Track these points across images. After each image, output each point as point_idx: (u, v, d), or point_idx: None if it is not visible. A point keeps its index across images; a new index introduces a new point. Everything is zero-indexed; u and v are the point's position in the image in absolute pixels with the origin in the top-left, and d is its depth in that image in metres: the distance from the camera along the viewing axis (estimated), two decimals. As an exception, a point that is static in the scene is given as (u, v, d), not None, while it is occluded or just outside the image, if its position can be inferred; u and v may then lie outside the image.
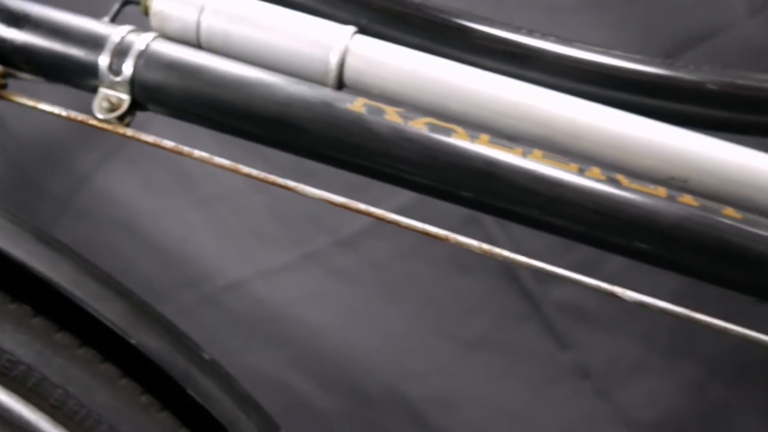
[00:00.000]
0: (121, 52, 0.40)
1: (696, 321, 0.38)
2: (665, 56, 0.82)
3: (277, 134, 0.39)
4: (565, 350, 0.85)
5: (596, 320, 0.86)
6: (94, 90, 0.40)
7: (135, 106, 0.41)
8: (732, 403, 0.83)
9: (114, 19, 0.44)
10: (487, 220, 0.87)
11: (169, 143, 0.40)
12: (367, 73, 0.41)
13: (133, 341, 0.37)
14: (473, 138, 0.38)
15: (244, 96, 0.39)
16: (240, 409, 0.40)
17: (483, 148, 0.38)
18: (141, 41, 0.40)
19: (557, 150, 0.40)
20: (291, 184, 0.39)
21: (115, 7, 0.45)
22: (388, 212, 0.39)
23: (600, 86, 0.42)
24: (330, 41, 0.41)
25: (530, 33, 0.42)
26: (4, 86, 0.41)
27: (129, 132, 0.40)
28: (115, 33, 0.40)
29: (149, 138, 0.40)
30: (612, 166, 0.40)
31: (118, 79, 0.40)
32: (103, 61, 0.40)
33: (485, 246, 0.38)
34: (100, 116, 0.40)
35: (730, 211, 0.37)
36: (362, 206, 0.38)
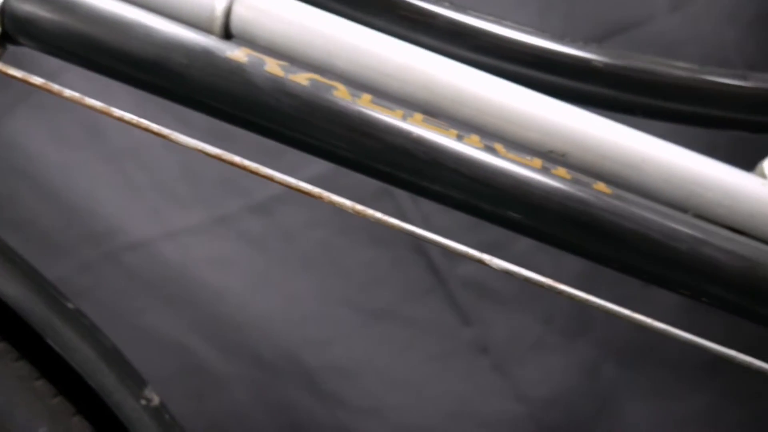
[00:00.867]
0: (-10, -21, 0.38)
1: (571, 296, 0.38)
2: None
3: (154, 79, 0.38)
4: (467, 325, 0.87)
5: (500, 298, 0.87)
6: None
7: (5, 38, 0.39)
8: (622, 384, 0.86)
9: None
10: (400, 194, 0.88)
11: (37, 80, 0.38)
12: (254, 24, 0.40)
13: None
14: (354, 97, 0.38)
15: (121, 36, 0.37)
16: (102, 361, 0.39)
17: (363, 108, 0.37)
18: (14, -30, 0.38)
19: (441, 116, 0.40)
20: (165, 131, 0.38)
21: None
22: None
23: (491, 56, 0.42)
24: (217, -13, 0.39)
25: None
26: None
27: (-4, 65, 0.38)
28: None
29: (17, 73, 0.38)
30: (494, 136, 0.40)
31: (-14, 8, 0.37)
32: (-29, -12, 0.37)
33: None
34: (-36, 46, 0.38)
35: (601, 186, 0.38)
36: (237, 159, 0.37)
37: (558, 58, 0.42)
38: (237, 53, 0.38)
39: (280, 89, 0.37)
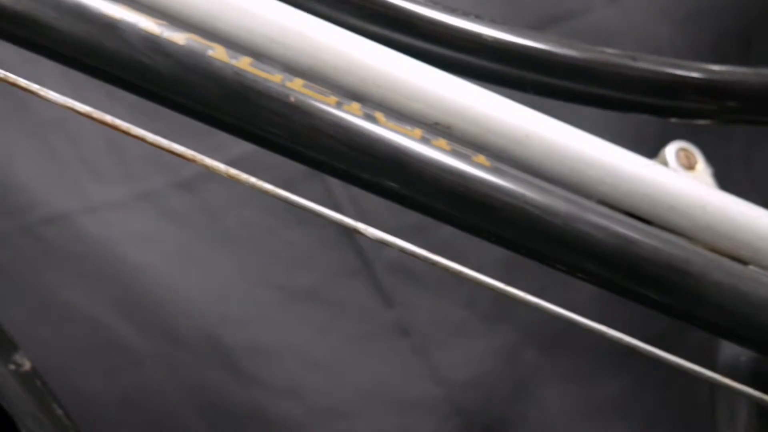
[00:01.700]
0: None
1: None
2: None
3: (21, 31, 0.36)
4: (390, 308, 0.87)
5: (424, 282, 0.87)
6: None
7: None
8: (541, 369, 0.87)
9: None
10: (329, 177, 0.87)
11: None
12: (135, -19, 0.39)
13: None
14: (233, 59, 0.37)
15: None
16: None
17: (240, 70, 0.36)
18: None
19: (326, 83, 0.39)
20: (34, 87, 0.36)
21: None
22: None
23: (380, 26, 0.41)
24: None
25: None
26: None
27: None
28: None
29: None
30: (379, 105, 0.39)
31: None
32: None
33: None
34: None
35: (481, 158, 0.38)
36: (108, 118, 0.36)
37: (449, 31, 0.42)
38: (112, 9, 0.36)
39: (155, 48, 0.36)
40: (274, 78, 0.37)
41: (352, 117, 0.37)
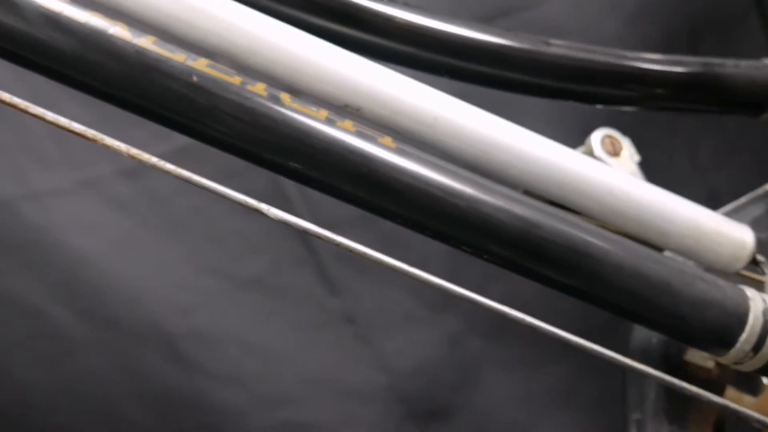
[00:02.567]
0: None
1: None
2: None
3: None
4: (336, 296, 0.87)
5: (370, 271, 0.87)
6: None
7: None
8: (486, 356, 0.88)
9: None
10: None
11: None
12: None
13: None
14: (135, 37, 0.36)
15: None
16: None
17: (142, 48, 0.36)
18: None
19: (234, 63, 0.39)
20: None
21: None
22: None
23: (289, 6, 0.41)
24: None
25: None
26: None
27: None
28: None
29: None
30: (287, 86, 0.39)
31: None
32: None
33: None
34: None
35: (387, 140, 0.38)
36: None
37: (361, 14, 0.42)
38: (10, -14, 0.36)
39: (55, 25, 0.36)
40: (177, 57, 0.37)
41: (256, 97, 0.37)
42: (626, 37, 0.92)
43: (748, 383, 0.52)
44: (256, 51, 0.39)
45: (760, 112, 0.50)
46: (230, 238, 0.86)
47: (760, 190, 0.55)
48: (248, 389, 0.81)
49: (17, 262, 0.82)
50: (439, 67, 0.43)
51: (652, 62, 0.46)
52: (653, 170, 0.96)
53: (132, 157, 0.36)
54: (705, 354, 0.42)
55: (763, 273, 0.44)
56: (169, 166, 0.37)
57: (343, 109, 0.40)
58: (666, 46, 0.92)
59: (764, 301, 0.40)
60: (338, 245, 0.38)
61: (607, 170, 0.43)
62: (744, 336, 0.39)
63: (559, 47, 0.43)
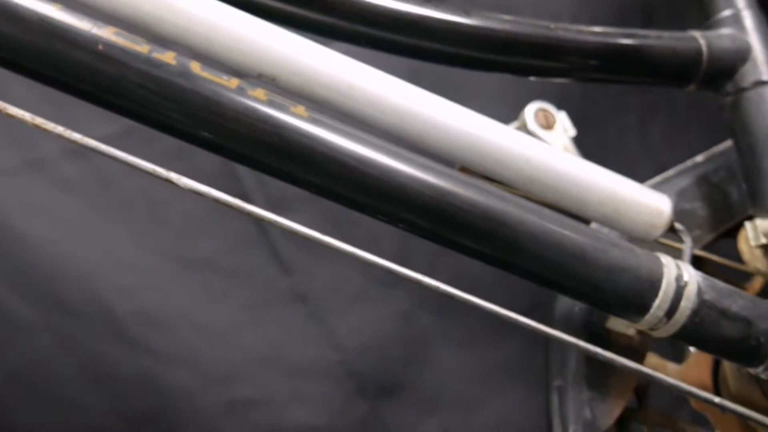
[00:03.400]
0: None
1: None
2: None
3: None
4: (287, 276, 0.86)
5: (322, 250, 0.87)
6: None
7: None
8: (436, 333, 0.88)
9: None
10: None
11: None
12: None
13: None
14: (39, 4, 0.36)
15: None
16: None
17: (46, 17, 0.35)
18: None
19: (143, 32, 0.38)
20: None
21: None
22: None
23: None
24: None
25: None
26: None
27: None
28: None
29: None
30: (198, 55, 0.39)
31: None
32: None
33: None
34: None
35: (299, 109, 0.38)
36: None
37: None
38: None
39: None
40: (82, 26, 0.36)
41: (165, 66, 0.36)
42: (579, 14, 0.92)
43: (676, 351, 0.53)
44: (167, 19, 0.39)
45: (685, 84, 0.50)
46: (180, 218, 0.86)
47: (689, 162, 0.56)
48: (197, 369, 0.81)
49: (-39, 245, 0.81)
50: (360, 37, 0.43)
51: (575, 33, 0.46)
52: (605, 147, 0.97)
53: (37, 127, 0.36)
54: (626, 322, 0.43)
55: (681, 241, 0.44)
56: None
57: (257, 78, 0.40)
58: (618, 23, 0.93)
59: (678, 267, 0.40)
60: (263, 219, 0.38)
61: (526, 139, 0.43)
62: (657, 302, 0.40)
63: (479, 18, 0.43)
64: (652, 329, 0.41)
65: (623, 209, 0.43)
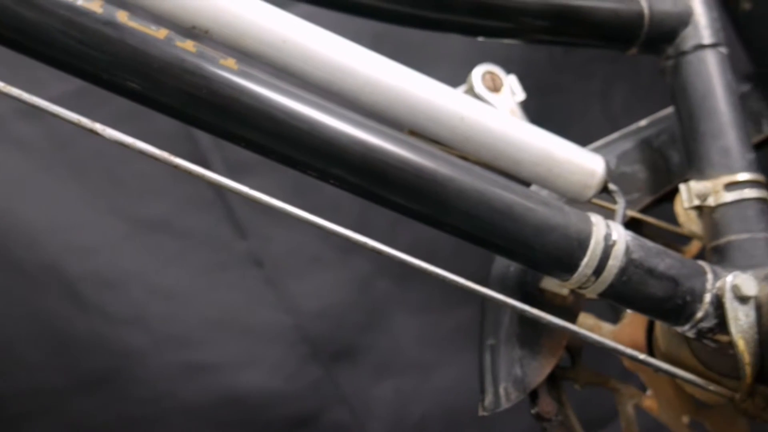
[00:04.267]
0: None
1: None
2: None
3: None
4: (244, 239, 0.86)
5: (280, 214, 0.87)
6: None
7: None
8: (394, 298, 0.88)
9: None
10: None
11: None
12: None
13: None
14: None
15: None
16: None
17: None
18: None
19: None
20: None
21: None
22: None
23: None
24: None
25: None
26: None
27: None
28: None
29: None
30: (127, 5, 0.38)
31: None
32: None
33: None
34: None
35: (230, 62, 0.37)
36: None
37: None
38: None
39: None
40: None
41: (90, 14, 0.36)
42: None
43: (615, 313, 0.54)
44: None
45: (627, 46, 0.51)
46: (135, 179, 0.85)
47: (632, 126, 0.56)
48: (150, 331, 0.81)
49: None
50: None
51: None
52: (567, 114, 0.97)
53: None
54: (558, 281, 0.43)
55: (615, 202, 0.45)
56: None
57: (190, 30, 0.39)
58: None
59: (608, 227, 0.41)
60: (202, 177, 0.38)
61: (461, 98, 0.43)
62: (585, 260, 0.40)
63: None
64: (581, 287, 0.41)
65: (557, 169, 0.43)
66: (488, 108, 0.44)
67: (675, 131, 0.52)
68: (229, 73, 0.37)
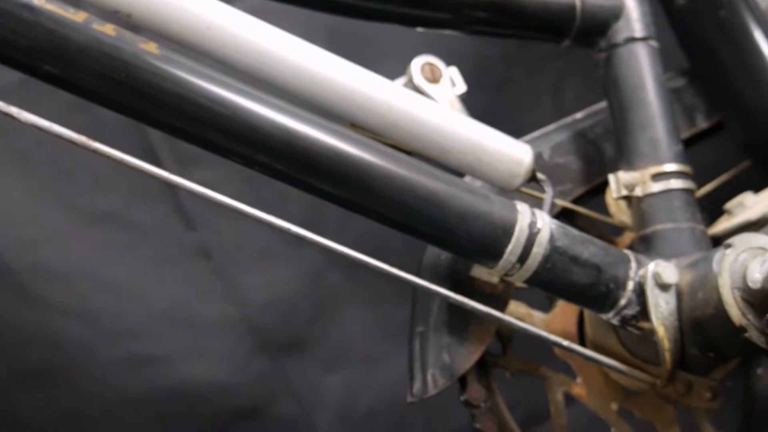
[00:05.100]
0: None
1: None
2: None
3: None
4: (192, 231, 0.85)
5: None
6: None
7: None
8: (345, 291, 0.88)
9: None
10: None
11: None
12: None
13: None
14: None
15: None
16: None
17: None
18: None
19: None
20: None
21: None
22: None
23: None
24: None
25: None
26: None
27: None
28: None
29: None
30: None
31: None
32: None
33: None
34: None
35: (151, 46, 0.37)
36: None
37: None
38: None
39: None
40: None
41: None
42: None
43: (550, 302, 0.55)
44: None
45: (559, 39, 0.51)
46: (82, 171, 0.84)
47: (568, 118, 0.57)
48: (94, 323, 0.80)
49: None
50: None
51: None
52: (519, 111, 0.97)
53: None
54: (486, 269, 0.43)
55: (543, 191, 0.45)
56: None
57: (113, 15, 0.39)
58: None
59: (533, 215, 0.41)
60: (122, 162, 0.38)
61: (389, 86, 0.43)
62: (510, 247, 0.41)
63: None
64: (507, 275, 0.42)
65: (485, 158, 0.44)
66: (418, 97, 0.44)
67: (610, 124, 0.53)
68: (150, 57, 0.37)
